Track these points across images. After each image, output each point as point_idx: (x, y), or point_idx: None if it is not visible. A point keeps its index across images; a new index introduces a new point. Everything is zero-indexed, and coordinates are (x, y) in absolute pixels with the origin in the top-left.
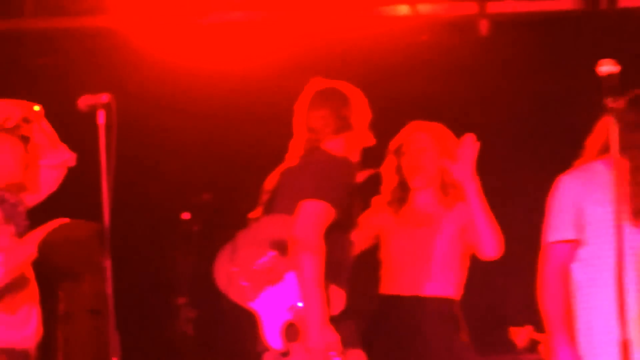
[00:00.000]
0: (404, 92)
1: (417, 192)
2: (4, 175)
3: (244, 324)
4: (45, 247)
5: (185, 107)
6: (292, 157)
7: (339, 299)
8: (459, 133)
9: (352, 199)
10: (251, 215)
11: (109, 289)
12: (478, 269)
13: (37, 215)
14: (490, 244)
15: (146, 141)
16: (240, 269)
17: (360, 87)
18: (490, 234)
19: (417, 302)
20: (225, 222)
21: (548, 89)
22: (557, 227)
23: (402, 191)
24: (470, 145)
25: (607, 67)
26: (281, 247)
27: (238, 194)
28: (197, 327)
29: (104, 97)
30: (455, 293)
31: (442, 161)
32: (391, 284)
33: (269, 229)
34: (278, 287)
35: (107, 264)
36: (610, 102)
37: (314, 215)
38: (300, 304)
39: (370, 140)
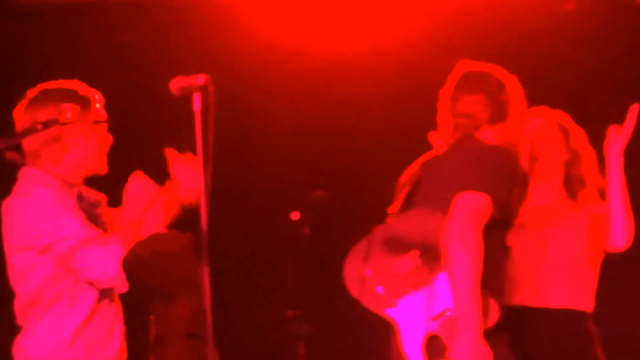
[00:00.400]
0: (550, 62)
1: (539, 186)
2: (83, 166)
3: (375, 336)
4: (132, 263)
5: (294, 91)
6: (438, 146)
7: (493, 309)
8: (608, 106)
9: (512, 195)
10: (390, 210)
11: (207, 303)
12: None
13: None
14: (622, 233)
15: (248, 130)
16: (375, 271)
17: (502, 60)
18: (624, 221)
19: (543, 315)
20: (341, 222)
21: None
22: None
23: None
24: (634, 116)
25: None
26: (425, 246)
27: (356, 189)
28: (309, 345)
29: (200, 79)
30: (587, 304)
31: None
32: (511, 293)
33: (410, 225)
34: (421, 292)
35: (205, 273)
36: None
37: (472, 208)
38: (448, 313)
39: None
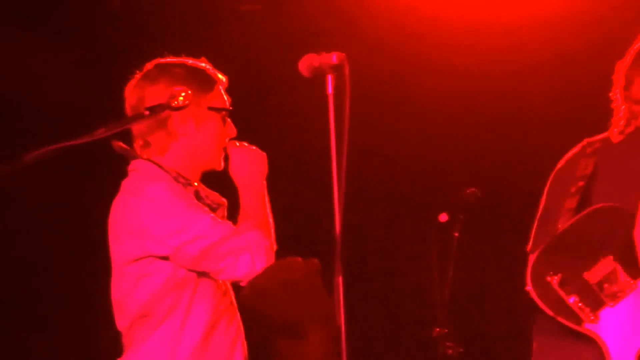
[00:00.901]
0: None
1: None
2: (195, 159)
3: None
4: (253, 296)
5: (443, 71)
6: (613, 133)
7: None
8: None
9: None
10: (567, 204)
11: (342, 320)
12: None
13: None
14: None
15: (388, 118)
16: (564, 278)
17: None
18: None
19: None
20: (494, 224)
21: None
22: None
23: None
24: None
25: None
26: (619, 248)
27: (513, 187)
28: None
29: (334, 57)
30: None
31: None
32: None
33: (596, 225)
34: (625, 302)
35: (339, 285)
36: None
37: None
38: None
39: None
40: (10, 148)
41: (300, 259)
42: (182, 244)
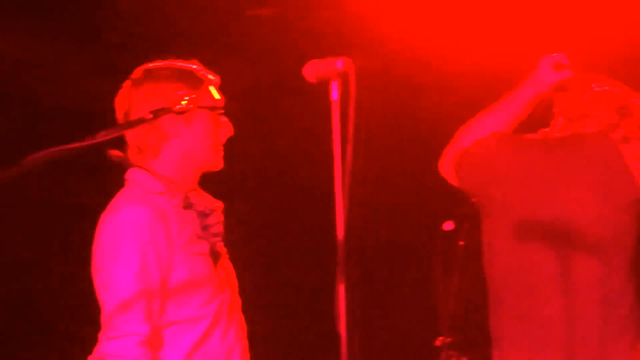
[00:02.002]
0: None
1: None
2: (189, 161)
3: None
4: None
5: (453, 77)
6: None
7: None
8: None
9: None
10: None
11: (343, 329)
12: None
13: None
14: None
15: (394, 125)
16: None
17: None
18: None
19: None
20: None
21: None
22: None
23: None
24: None
25: None
26: None
27: None
28: None
29: (339, 64)
30: None
31: None
32: None
33: None
34: None
35: (341, 291)
36: None
37: None
38: None
39: None
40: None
41: None
42: (98, 290)
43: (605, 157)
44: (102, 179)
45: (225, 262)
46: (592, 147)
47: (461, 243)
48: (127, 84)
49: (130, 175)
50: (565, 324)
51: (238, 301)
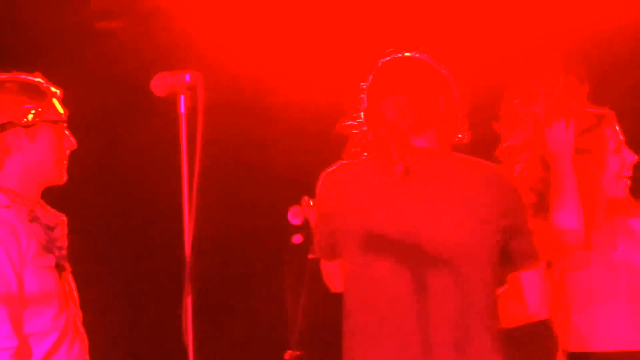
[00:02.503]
0: None
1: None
2: (32, 175)
3: None
4: None
5: (302, 87)
6: None
7: None
8: None
9: None
10: None
11: (190, 342)
12: None
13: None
14: None
15: (244, 138)
16: None
17: None
18: None
19: None
20: None
21: None
22: None
23: None
24: None
25: None
26: None
27: None
28: None
29: (187, 77)
30: None
31: None
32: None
33: None
34: None
35: (188, 305)
36: None
37: None
38: None
39: None
40: None
41: None
42: None
43: (476, 181)
44: None
45: (68, 275)
46: (466, 169)
47: (310, 256)
48: None
49: None
50: (419, 338)
51: (80, 315)
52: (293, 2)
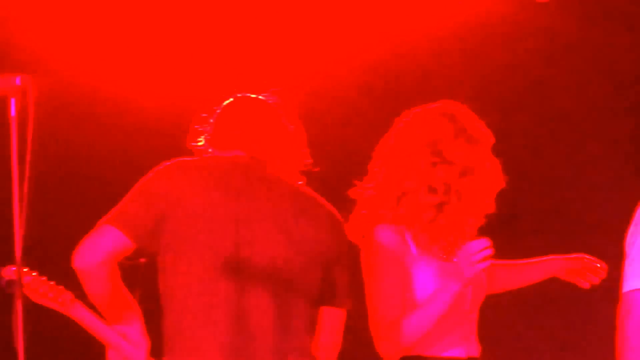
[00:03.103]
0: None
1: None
2: None
3: None
4: None
5: (139, 94)
6: None
7: None
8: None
9: None
10: None
11: (20, 342)
12: None
13: None
14: None
15: (78, 141)
16: None
17: None
18: None
19: None
20: None
21: (623, 68)
22: None
23: None
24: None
25: None
26: None
27: None
28: None
29: (18, 80)
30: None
31: None
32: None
33: None
34: None
35: (18, 311)
36: None
37: None
38: None
39: None
40: None
41: None
42: None
43: (308, 211)
44: None
45: None
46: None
47: (142, 260)
48: None
49: None
50: (236, 350)
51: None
52: (128, 6)
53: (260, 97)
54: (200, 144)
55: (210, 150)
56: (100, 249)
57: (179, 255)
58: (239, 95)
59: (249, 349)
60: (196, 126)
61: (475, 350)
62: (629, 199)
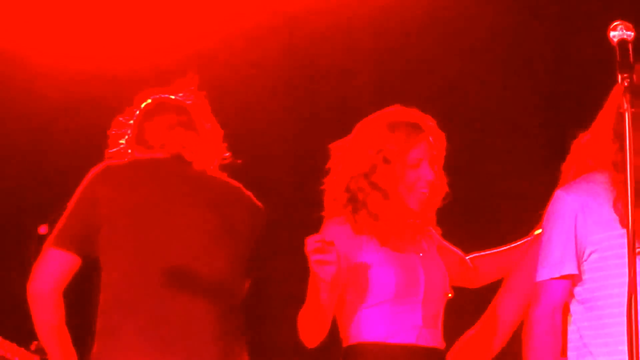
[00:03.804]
0: None
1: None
2: None
3: None
4: None
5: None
6: None
7: None
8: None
9: None
10: None
11: None
12: None
13: None
14: None
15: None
16: None
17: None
18: None
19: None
20: None
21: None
22: (557, 260)
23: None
24: None
25: (619, 32)
26: None
27: None
28: None
29: None
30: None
31: None
32: None
33: None
34: None
35: None
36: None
37: None
38: None
39: None
40: None
41: None
42: None
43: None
44: None
45: None
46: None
47: None
48: None
49: None
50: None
51: None
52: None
53: (177, 97)
54: (120, 146)
55: (129, 151)
56: (50, 276)
57: (109, 254)
58: (156, 96)
59: (170, 335)
60: (113, 131)
61: (434, 341)
62: (541, 189)
